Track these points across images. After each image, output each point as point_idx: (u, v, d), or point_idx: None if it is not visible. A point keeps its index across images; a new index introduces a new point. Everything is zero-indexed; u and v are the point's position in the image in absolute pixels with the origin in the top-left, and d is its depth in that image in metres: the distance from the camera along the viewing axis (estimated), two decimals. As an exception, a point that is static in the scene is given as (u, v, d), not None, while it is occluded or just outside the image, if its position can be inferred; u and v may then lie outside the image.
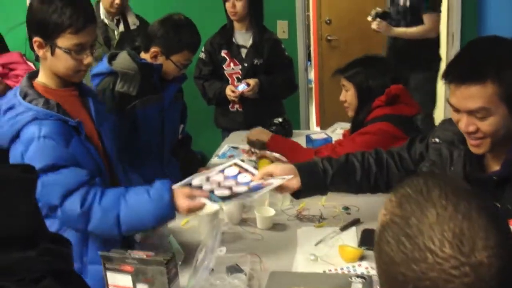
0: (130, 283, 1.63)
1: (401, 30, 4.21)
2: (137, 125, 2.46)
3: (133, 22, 3.61)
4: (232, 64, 3.51)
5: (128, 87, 2.37)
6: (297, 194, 1.95)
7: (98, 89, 2.38)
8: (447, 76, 1.54)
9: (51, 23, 1.75)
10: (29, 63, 3.67)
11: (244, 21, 3.50)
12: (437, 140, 1.82)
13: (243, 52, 3.51)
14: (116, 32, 3.59)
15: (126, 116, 2.40)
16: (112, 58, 2.43)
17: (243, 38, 3.53)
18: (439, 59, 4.29)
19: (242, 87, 3.40)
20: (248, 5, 3.42)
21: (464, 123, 1.53)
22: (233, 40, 3.51)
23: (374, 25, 4.22)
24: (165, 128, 2.55)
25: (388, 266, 0.84)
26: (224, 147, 3.19)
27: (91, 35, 1.83)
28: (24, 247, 0.87)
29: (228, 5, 3.43)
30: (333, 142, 2.69)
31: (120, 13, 3.59)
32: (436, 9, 4.19)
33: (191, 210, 1.78)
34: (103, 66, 2.41)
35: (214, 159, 3.04)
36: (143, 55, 2.51)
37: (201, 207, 1.78)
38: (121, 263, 1.63)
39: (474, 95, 1.47)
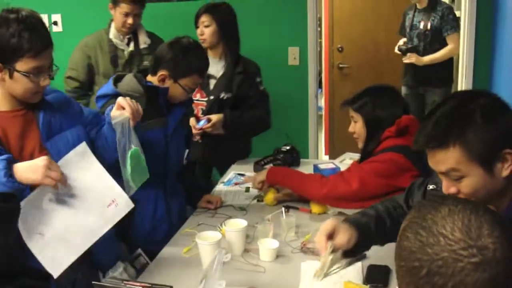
0: (124, 315, 1.57)
1: (429, 58, 4.59)
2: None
3: (143, 41, 3.61)
4: (198, 95, 3.24)
5: (132, 110, 2.32)
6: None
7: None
8: (416, 142, 1.51)
9: (9, 47, 1.73)
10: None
11: (216, 49, 3.24)
12: (434, 186, 1.78)
13: (212, 83, 3.24)
14: (125, 52, 3.58)
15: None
16: (118, 80, 2.39)
17: (215, 67, 3.23)
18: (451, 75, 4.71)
19: (202, 123, 3.11)
20: (218, 32, 3.18)
21: (444, 186, 1.50)
22: None
23: (406, 60, 4.69)
24: (169, 153, 2.49)
25: (406, 258, 0.96)
26: (230, 174, 3.14)
27: (49, 58, 1.84)
28: (1, 282, 0.81)
29: (197, 31, 3.20)
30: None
31: (132, 32, 3.59)
32: (457, 28, 4.47)
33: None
34: (108, 87, 2.37)
35: (219, 186, 2.98)
36: (149, 78, 2.47)
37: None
38: (116, 293, 1.58)
39: (441, 160, 1.44)
